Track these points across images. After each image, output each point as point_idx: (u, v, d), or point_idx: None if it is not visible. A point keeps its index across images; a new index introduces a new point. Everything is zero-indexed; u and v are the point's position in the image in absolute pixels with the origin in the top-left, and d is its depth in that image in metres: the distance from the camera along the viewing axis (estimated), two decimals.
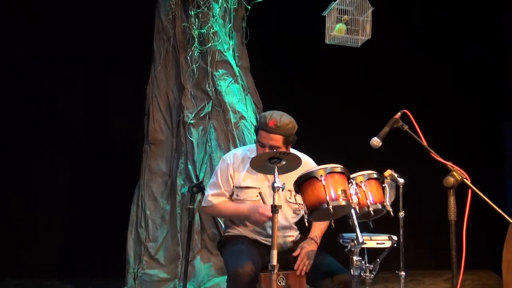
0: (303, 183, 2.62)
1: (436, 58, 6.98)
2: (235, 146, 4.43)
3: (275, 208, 2.45)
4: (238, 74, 4.73)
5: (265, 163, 2.57)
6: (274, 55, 6.15)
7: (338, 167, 2.62)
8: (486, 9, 6.86)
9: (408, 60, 6.85)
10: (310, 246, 3.05)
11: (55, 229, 6.09)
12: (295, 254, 3.03)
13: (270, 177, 2.86)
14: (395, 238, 2.98)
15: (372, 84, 6.70)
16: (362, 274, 2.82)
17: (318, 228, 3.16)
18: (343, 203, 2.54)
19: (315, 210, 2.57)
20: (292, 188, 2.97)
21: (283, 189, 2.51)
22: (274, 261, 2.44)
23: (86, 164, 6.04)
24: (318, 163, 3.32)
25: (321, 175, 2.56)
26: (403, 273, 3.34)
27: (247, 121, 4.52)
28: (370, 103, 6.44)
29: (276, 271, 2.45)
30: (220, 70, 4.64)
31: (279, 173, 2.57)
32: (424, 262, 7.35)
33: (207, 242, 4.34)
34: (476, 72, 7.04)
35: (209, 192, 3.22)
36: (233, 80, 4.64)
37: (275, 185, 2.47)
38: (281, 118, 3.01)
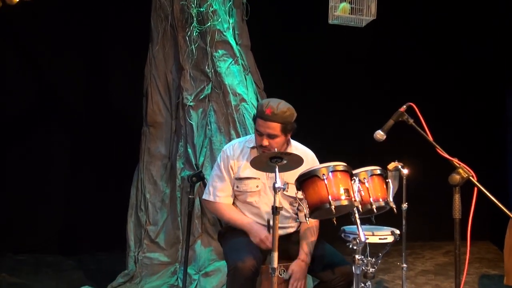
0: (304, 182, 2.55)
1: (437, 57, 6.99)
2: (236, 130, 4.35)
3: (275, 210, 2.39)
4: (238, 54, 4.59)
5: (266, 162, 2.50)
6: (276, 32, 6.04)
7: (340, 165, 2.55)
8: (487, 8, 6.76)
9: (408, 58, 6.85)
10: (300, 268, 2.95)
11: (57, 206, 6.15)
12: (286, 277, 2.93)
13: None
14: (397, 232, 2.93)
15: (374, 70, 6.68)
16: (363, 268, 2.78)
17: (307, 244, 3.03)
18: (346, 203, 2.49)
19: (317, 209, 2.52)
20: (289, 180, 2.92)
21: (284, 189, 2.45)
22: (275, 263, 2.40)
23: (86, 144, 6.03)
24: (321, 154, 3.27)
25: (324, 174, 2.50)
26: (404, 265, 3.32)
27: (247, 104, 4.42)
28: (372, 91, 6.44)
29: (277, 274, 2.40)
30: (219, 51, 4.51)
31: (280, 172, 2.50)
32: (424, 233, 7.41)
33: (208, 226, 4.30)
34: (476, 71, 7.05)
35: (214, 185, 3.14)
36: (233, 61, 4.51)
37: (276, 185, 2.41)
38: (278, 105, 2.94)
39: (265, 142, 2.96)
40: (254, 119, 3.05)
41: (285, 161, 2.49)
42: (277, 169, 2.46)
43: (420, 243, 7.65)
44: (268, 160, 2.48)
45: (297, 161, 2.57)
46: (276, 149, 2.94)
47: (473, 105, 7.30)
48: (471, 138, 7.22)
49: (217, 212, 3.21)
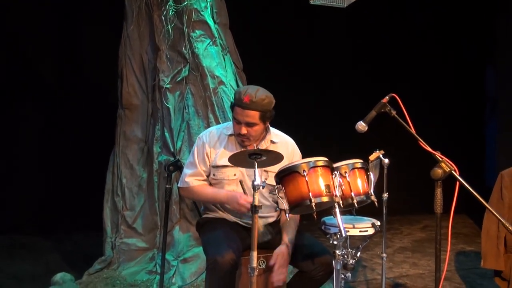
0: (284, 177, 2.48)
1: (427, 51, 6.97)
2: (214, 114, 4.24)
3: (255, 208, 2.32)
4: (216, 34, 4.45)
5: (245, 158, 2.41)
6: (256, 10, 5.90)
7: (321, 161, 2.48)
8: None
9: (397, 49, 6.79)
10: (284, 254, 2.88)
11: (32, 186, 6.04)
12: (271, 263, 2.86)
13: None
14: (378, 223, 2.90)
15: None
16: (344, 260, 2.75)
17: (290, 231, 2.97)
18: (326, 199, 2.44)
19: (297, 206, 2.46)
20: (268, 169, 2.87)
21: (263, 187, 2.37)
22: (254, 263, 2.34)
23: (60, 125, 5.89)
24: (301, 140, 3.21)
25: (304, 170, 2.43)
26: (384, 254, 3.31)
27: (226, 87, 4.31)
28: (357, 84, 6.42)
29: (256, 273, 2.35)
30: (197, 31, 4.36)
31: (259, 167, 2.42)
32: (402, 207, 7.49)
33: (186, 212, 4.24)
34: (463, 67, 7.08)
35: (186, 172, 3.08)
36: (211, 42, 4.37)
37: (256, 183, 2.33)
38: (257, 93, 2.87)
39: (244, 130, 2.88)
40: (232, 107, 2.96)
41: (264, 158, 2.41)
42: (256, 166, 2.37)
43: (399, 217, 7.75)
44: (247, 156, 2.40)
45: (276, 157, 2.49)
46: (254, 138, 2.90)
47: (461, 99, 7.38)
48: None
49: (193, 195, 3.13)
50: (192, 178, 3.03)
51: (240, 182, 2.81)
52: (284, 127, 3.22)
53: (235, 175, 2.97)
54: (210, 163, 3.01)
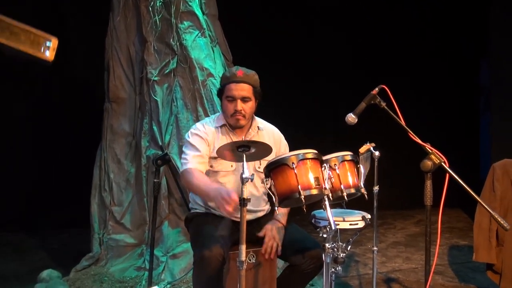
0: (273, 170, 2.50)
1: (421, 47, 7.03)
2: (203, 107, 4.26)
3: (243, 202, 2.35)
4: (205, 26, 4.46)
5: (232, 151, 2.44)
6: (245, 0, 5.90)
7: (310, 153, 2.50)
8: None
9: (389, 42, 6.84)
10: (275, 226, 2.95)
11: (18, 183, 6.02)
12: (261, 234, 2.93)
13: None
14: (368, 216, 2.94)
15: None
16: (334, 253, 2.79)
17: (283, 213, 3.05)
18: (316, 192, 2.45)
19: (286, 199, 2.48)
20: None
21: (251, 180, 2.39)
22: (243, 256, 2.36)
23: (46, 120, 5.87)
24: (290, 133, 3.24)
25: (293, 163, 2.45)
26: (375, 248, 3.35)
27: (215, 79, 4.32)
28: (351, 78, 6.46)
29: (244, 267, 2.38)
30: (185, 22, 4.37)
31: (248, 161, 2.44)
32: (395, 202, 7.57)
33: (175, 206, 4.26)
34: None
35: (189, 153, 2.94)
36: (199, 33, 4.38)
37: (244, 176, 2.34)
38: (247, 70, 3.01)
39: (240, 105, 2.94)
40: (221, 89, 3.01)
41: (253, 150, 2.43)
42: (244, 159, 2.40)
43: (392, 211, 7.82)
44: (235, 149, 2.42)
45: (265, 149, 2.51)
46: (248, 116, 2.97)
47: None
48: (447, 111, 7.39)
49: (188, 177, 2.90)
50: (198, 160, 2.92)
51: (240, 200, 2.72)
52: (274, 120, 3.25)
53: (232, 166, 2.99)
54: (210, 154, 2.98)
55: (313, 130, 6.82)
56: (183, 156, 3.03)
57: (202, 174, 2.94)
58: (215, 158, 2.98)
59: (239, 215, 2.37)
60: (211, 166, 3.02)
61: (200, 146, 2.99)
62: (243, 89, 2.94)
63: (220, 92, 3.04)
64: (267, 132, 3.13)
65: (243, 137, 3.02)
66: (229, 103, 2.97)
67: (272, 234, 2.92)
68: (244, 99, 2.95)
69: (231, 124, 3.03)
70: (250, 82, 2.96)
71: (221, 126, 3.06)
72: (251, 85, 2.96)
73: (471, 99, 8.08)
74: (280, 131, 3.22)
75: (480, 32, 7.35)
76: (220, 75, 4.42)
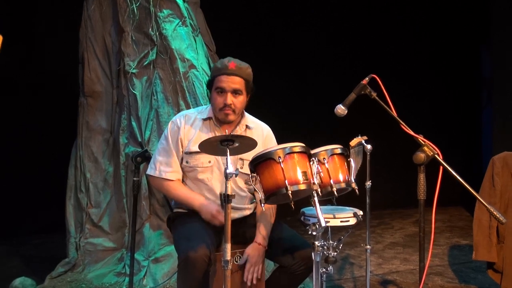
0: (259, 165, 2.56)
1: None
2: (185, 100, 4.32)
3: (227, 198, 2.41)
4: (186, 14, 4.52)
5: (216, 145, 2.50)
6: None
7: (297, 146, 2.57)
8: None
9: (385, 31, 6.93)
10: (256, 251, 3.00)
11: None
12: (241, 262, 2.98)
13: None
14: (360, 213, 2.99)
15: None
16: (325, 252, 2.86)
17: (264, 227, 3.08)
18: (304, 187, 2.52)
19: (273, 195, 2.54)
20: (244, 157, 2.97)
21: (236, 175, 2.46)
22: (228, 255, 2.43)
23: (17, 118, 5.87)
24: (277, 129, 3.30)
25: (279, 156, 2.51)
26: (368, 246, 3.43)
27: (197, 70, 4.39)
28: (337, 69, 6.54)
29: (229, 267, 2.45)
30: (164, 11, 4.43)
31: (232, 155, 2.51)
32: (393, 200, 7.68)
33: (157, 207, 4.32)
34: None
35: (158, 158, 3.12)
36: (180, 22, 4.44)
37: (228, 171, 2.41)
38: (240, 62, 3.04)
39: (229, 99, 2.99)
40: (211, 80, 3.05)
41: (237, 144, 2.49)
42: (228, 153, 2.46)
43: (390, 211, 7.93)
44: (218, 143, 2.48)
45: (251, 144, 2.58)
46: (238, 110, 3.02)
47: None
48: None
49: (163, 189, 3.20)
50: (167, 169, 3.08)
51: (221, 194, 2.81)
52: (262, 114, 3.31)
53: (209, 162, 3.04)
54: (184, 149, 3.08)
55: (303, 123, 6.90)
56: (153, 157, 3.17)
57: (177, 185, 3.10)
58: (190, 153, 3.07)
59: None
60: (186, 162, 3.09)
61: (173, 149, 3.08)
62: (234, 82, 2.98)
63: (210, 84, 3.08)
64: (256, 131, 3.18)
65: (226, 131, 3.06)
66: (218, 95, 3.02)
67: (254, 261, 2.96)
68: (235, 92, 3.00)
69: (220, 118, 3.08)
70: (243, 75, 3.00)
71: (205, 119, 3.13)
72: (244, 78, 3.00)
73: (473, 92, 8.20)
74: (268, 125, 3.28)
75: (481, 19, 7.46)
76: (203, 67, 4.50)
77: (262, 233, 3.03)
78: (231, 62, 3.00)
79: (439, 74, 7.92)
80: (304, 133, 4.68)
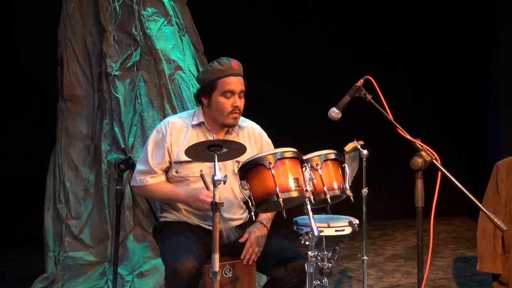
0: (248, 171, 2.64)
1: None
2: (171, 104, 4.39)
3: (215, 206, 2.49)
4: (171, 12, 4.59)
5: (203, 151, 2.57)
6: None
7: (289, 152, 2.65)
8: None
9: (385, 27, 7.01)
10: (259, 231, 3.12)
11: None
12: (242, 240, 3.10)
13: None
14: (356, 221, 3.06)
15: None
16: (319, 263, 2.92)
17: (266, 215, 3.22)
18: (296, 194, 2.59)
19: (263, 202, 2.60)
20: (240, 159, 2.98)
21: (225, 182, 2.54)
22: (216, 267, 2.50)
23: None
24: (269, 131, 3.38)
25: (270, 162, 2.58)
26: (365, 257, 3.50)
27: (184, 72, 4.46)
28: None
29: (218, 278, 2.52)
30: (149, 9, 4.50)
31: (220, 161, 2.59)
32: (395, 210, 7.75)
33: (141, 218, 4.37)
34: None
35: (138, 168, 3.22)
36: (165, 21, 4.52)
37: (216, 178, 2.49)
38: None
39: (239, 101, 3.09)
40: (213, 82, 3.07)
41: (225, 150, 2.57)
42: (216, 159, 2.54)
43: (392, 221, 8.01)
44: (205, 148, 2.56)
45: (239, 149, 2.65)
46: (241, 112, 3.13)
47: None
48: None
49: (148, 195, 3.32)
50: (146, 176, 3.17)
51: (201, 175, 2.92)
52: (254, 118, 3.40)
53: (201, 171, 3.05)
54: (172, 159, 3.14)
55: (296, 128, 6.99)
56: (136, 167, 3.24)
57: (159, 185, 3.18)
58: (180, 162, 3.14)
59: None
60: (176, 172, 3.16)
61: (151, 158, 3.15)
62: (241, 83, 3.10)
63: (210, 87, 3.10)
64: (247, 130, 3.29)
65: (214, 136, 3.10)
66: (226, 99, 3.08)
67: (256, 237, 3.07)
68: (242, 93, 3.11)
69: (228, 123, 3.13)
70: (243, 75, 3.13)
71: (194, 125, 3.20)
72: (243, 77, 3.13)
73: (479, 93, 8.30)
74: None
75: (487, 15, 7.58)
76: (190, 68, 4.57)
77: (264, 215, 3.16)
78: (234, 62, 3.09)
79: (442, 74, 8.03)
80: (298, 138, 4.78)
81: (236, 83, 3.08)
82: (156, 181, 3.19)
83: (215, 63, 3.13)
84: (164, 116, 4.34)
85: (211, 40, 5.01)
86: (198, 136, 3.17)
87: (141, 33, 4.49)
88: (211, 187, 2.75)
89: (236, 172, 3.09)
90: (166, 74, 4.43)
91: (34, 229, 4.86)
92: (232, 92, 3.07)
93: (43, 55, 5.16)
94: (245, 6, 6.49)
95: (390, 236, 7.33)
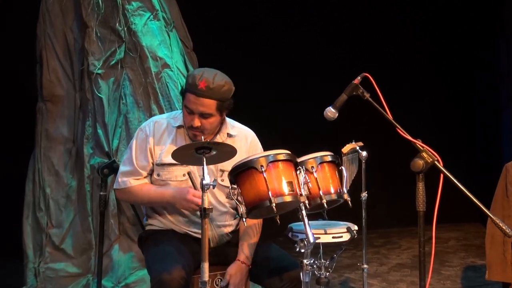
0: (239, 175, 2.67)
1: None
2: (158, 104, 4.42)
3: (204, 212, 2.53)
4: (158, 6, 4.62)
5: (191, 153, 2.61)
6: None
7: (282, 154, 2.68)
8: None
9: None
10: (239, 272, 3.11)
11: None
12: (222, 284, 3.10)
13: None
14: (355, 228, 3.09)
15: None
16: (316, 272, 2.96)
17: (248, 245, 3.19)
18: (290, 199, 2.63)
19: (256, 208, 2.64)
20: (225, 167, 3.04)
21: (214, 187, 2.58)
22: (206, 276, 2.54)
23: None
24: (261, 134, 3.42)
25: (262, 165, 2.61)
26: (365, 265, 3.54)
27: (172, 70, 4.49)
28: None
29: (211, 285, 2.56)
30: (133, 3, 4.53)
31: (208, 164, 2.62)
32: (400, 217, 7.78)
33: (127, 226, 4.40)
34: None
35: (121, 169, 3.25)
36: (151, 16, 4.55)
37: (204, 182, 2.52)
38: (215, 78, 3.02)
39: (197, 122, 3.04)
40: (183, 93, 3.10)
41: (214, 152, 2.60)
42: (204, 162, 2.58)
43: (397, 228, 8.04)
44: (193, 151, 2.59)
45: (229, 151, 2.69)
46: (208, 131, 3.07)
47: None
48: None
49: (130, 198, 3.32)
50: (130, 178, 3.20)
51: (189, 174, 2.95)
52: (245, 119, 3.42)
53: (184, 175, 3.12)
54: (154, 160, 3.18)
55: (295, 128, 7.03)
56: (119, 169, 3.27)
57: (143, 186, 3.19)
58: (162, 165, 3.17)
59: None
60: (157, 175, 3.19)
61: (136, 158, 3.18)
62: (203, 105, 3.00)
63: (181, 94, 3.13)
64: (239, 138, 3.27)
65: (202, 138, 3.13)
66: (187, 114, 3.08)
67: (236, 282, 3.07)
68: (204, 115, 3.03)
69: (190, 137, 3.15)
70: (215, 97, 3.00)
71: (179, 126, 3.22)
72: (216, 99, 3.01)
73: (491, 91, 8.41)
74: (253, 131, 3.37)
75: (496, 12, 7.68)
76: (178, 66, 4.60)
77: (245, 250, 3.14)
78: (203, 81, 2.98)
79: (441, 74, 8.16)
80: (295, 139, 4.82)
81: (195, 103, 3.01)
82: (140, 183, 3.22)
83: (193, 72, 3.14)
84: (151, 116, 4.32)
85: (200, 36, 5.04)
86: (182, 138, 3.20)
87: (125, 29, 4.51)
88: (198, 182, 2.81)
89: (221, 182, 3.12)
90: (153, 72, 4.46)
91: (12, 239, 4.86)
92: (190, 111, 3.05)
93: (21, 52, 5.17)
94: (242, 6, 6.52)
95: (395, 244, 7.35)
